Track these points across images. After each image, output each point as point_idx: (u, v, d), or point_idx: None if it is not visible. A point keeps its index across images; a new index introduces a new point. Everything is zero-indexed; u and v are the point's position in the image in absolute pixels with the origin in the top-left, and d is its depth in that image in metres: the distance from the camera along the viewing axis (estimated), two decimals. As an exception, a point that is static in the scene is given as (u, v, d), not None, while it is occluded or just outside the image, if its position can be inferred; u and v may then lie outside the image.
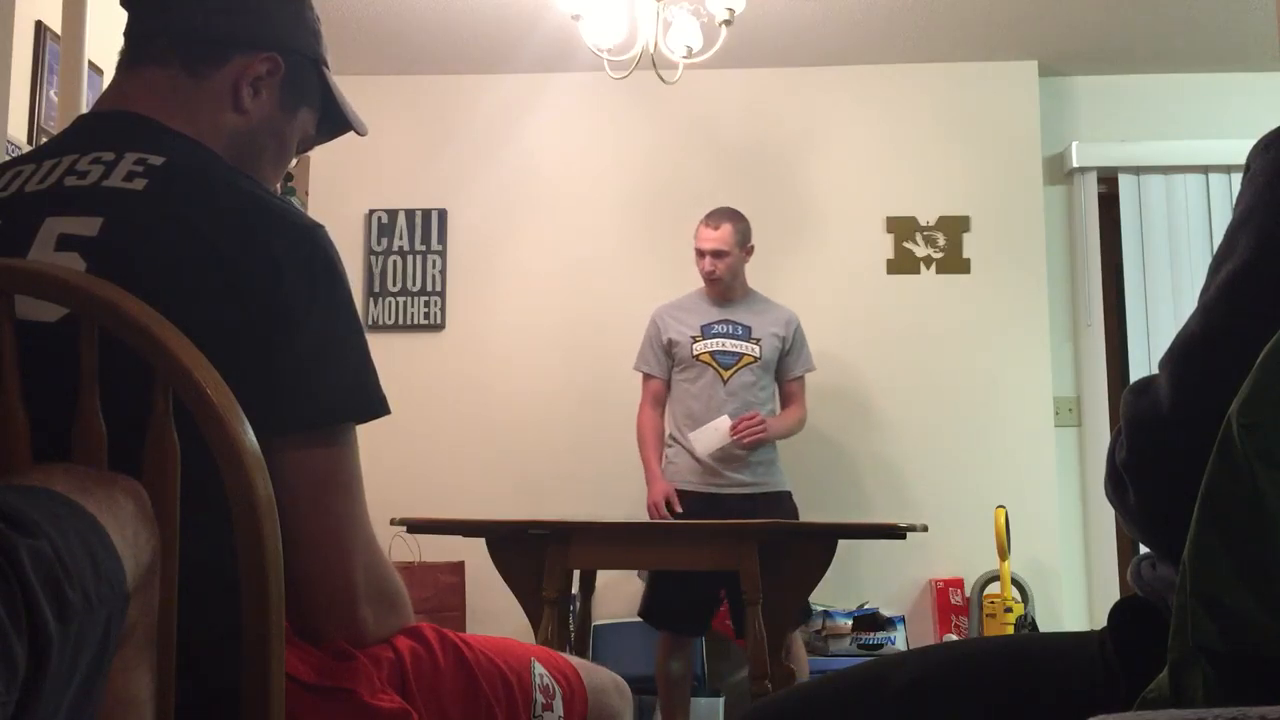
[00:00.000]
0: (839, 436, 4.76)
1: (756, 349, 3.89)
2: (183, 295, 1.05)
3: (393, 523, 2.88)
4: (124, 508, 0.85)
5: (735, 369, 3.86)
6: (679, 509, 3.77)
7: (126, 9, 1.30)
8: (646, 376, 3.99)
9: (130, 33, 1.29)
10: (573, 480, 4.71)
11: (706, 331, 3.91)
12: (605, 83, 4.12)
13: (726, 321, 3.92)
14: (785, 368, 3.98)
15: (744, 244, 3.93)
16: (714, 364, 3.87)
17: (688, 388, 3.89)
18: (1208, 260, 0.96)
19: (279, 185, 1.45)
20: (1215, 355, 0.90)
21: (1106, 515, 4.68)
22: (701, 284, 3.99)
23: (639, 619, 3.91)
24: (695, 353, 3.88)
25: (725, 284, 3.91)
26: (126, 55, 1.28)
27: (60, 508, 0.79)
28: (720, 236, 3.86)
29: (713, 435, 3.77)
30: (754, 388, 3.88)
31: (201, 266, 1.07)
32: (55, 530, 0.74)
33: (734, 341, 3.89)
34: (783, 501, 3.86)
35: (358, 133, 1.43)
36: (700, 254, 3.91)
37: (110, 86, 1.28)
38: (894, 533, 2.95)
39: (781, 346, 3.94)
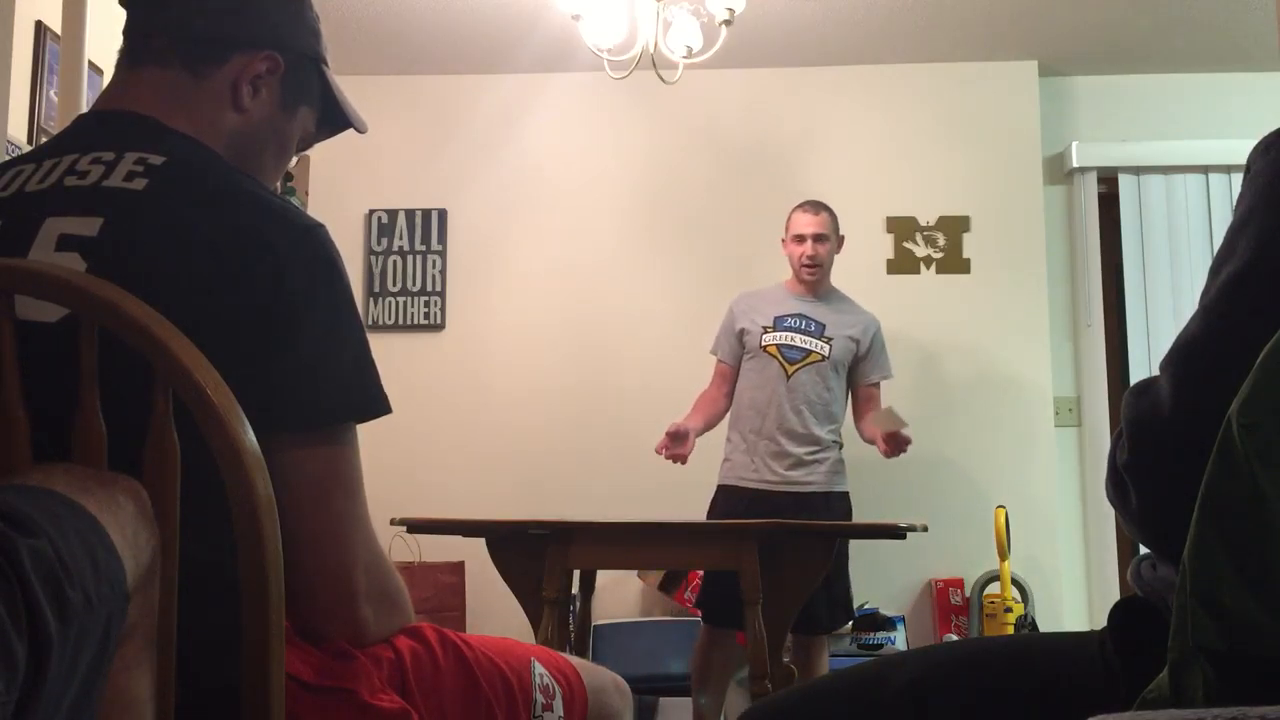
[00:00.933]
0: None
1: (826, 348, 3.80)
2: (183, 295, 1.05)
3: (393, 523, 2.88)
4: (124, 508, 0.85)
5: (800, 365, 3.78)
6: (687, 449, 3.67)
7: (126, 8, 1.30)
8: (717, 360, 3.95)
9: (130, 32, 1.29)
10: (573, 480, 4.71)
11: (779, 323, 3.84)
12: (605, 83, 4.12)
13: (800, 316, 3.84)
14: (861, 373, 3.89)
15: (838, 232, 3.91)
16: (779, 357, 3.80)
17: (753, 377, 3.83)
18: (1208, 260, 0.96)
19: (279, 184, 1.45)
20: (1216, 356, 0.90)
21: (1106, 515, 4.68)
22: (784, 279, 3.94)
23: (639, 619, 3.91)
24: (763, 344, 3.81)
25: (822, 274, 3.86)
26: (126, 54, 1.28)
27: (60, 508, 0.79)
28: (821, 221, 3.83)
29: (888, 418, 3.69)
30: (819, 386, 3.80)
31: (202, 266, 1.07)
32: (55, 530, 0.74)
33: (803, 337, 3.81)
34: (833, 502, 3.80)
35: (358, 130, 1.43)
36: (800, 239, 3.83)
37: (110, 86, 1.28)
38: (894, 533, 2.95)
39: (855, 350, 3.85)
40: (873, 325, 3.92)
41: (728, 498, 3.80)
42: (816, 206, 3.89)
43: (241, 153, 1.27)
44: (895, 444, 3.68)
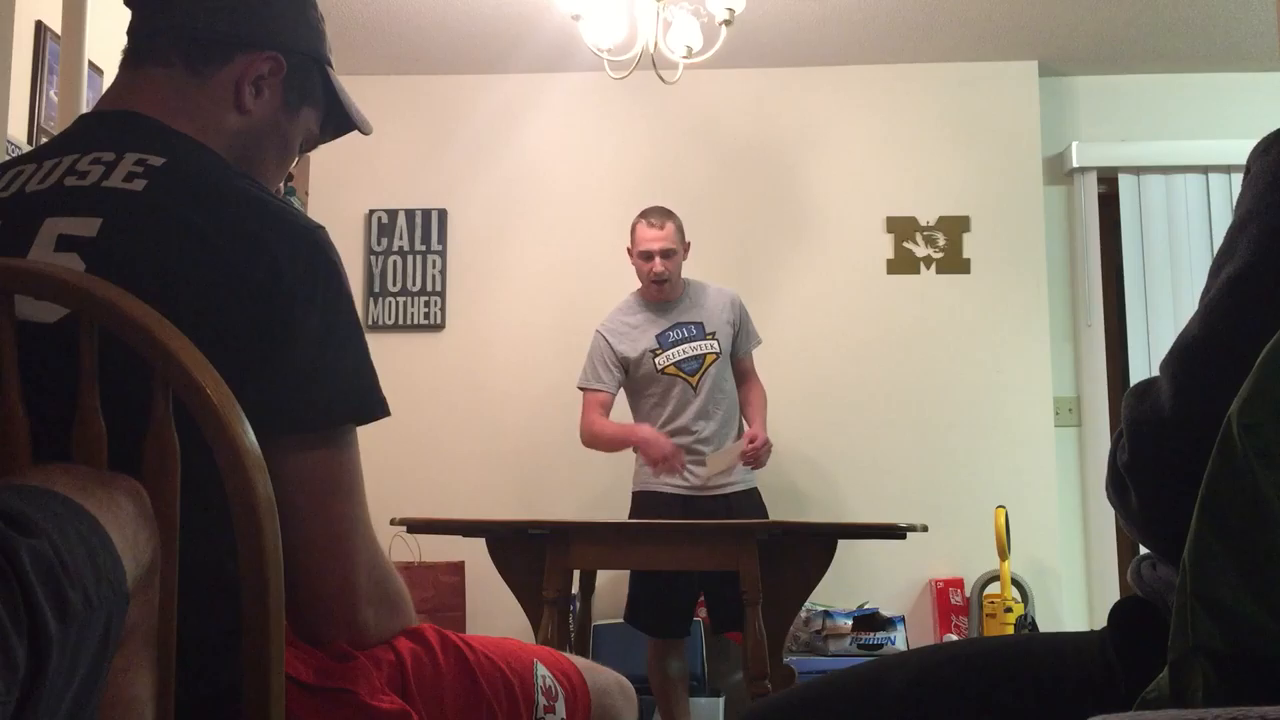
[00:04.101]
0: (839, 436, 4.77)
1: (715, 344, 3.79)
2: (182, 296, 1.05)
3: (393, 523, 2.88)
4: (124, 508, 0.85)
5: (701, 373, 3.77)
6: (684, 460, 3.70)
7: (129, 7, 1.30)
8: (592, 390, 3.80)
9: (133, 31, 1.28)
10: (573, 480, 4.71)
11: (664, 342, 3.78)
12: (605, 83, 4.12)
13: (679, 325, 3.81)
14: (738, 347, 3.89)
15: (684, 240, 3.84)
16: (680, 374, 3.76)
17: (655, 402, 3.79)
18: (1208, 260, 0.97)
19: (280, 185, 1.45)
20: (1216, 357, 0.90)
21: (1106, 515, 4.68)
22: (632, 291, 3.90)
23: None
24: (660, 368, 3.76)
25: (672, 285, 3.80)
26: (129, 54, 1.27)
27: (60, 508, 0.79)
28: (667, 235, 3.75)
29: (724, 458, 3.71)
30: (723, 383, 3.81)
31: (201, 268, 1.07)
32: (55, 530, 0.74)
33: (693, 345, 3.79)
34: (753, 498, 3.81)
35: (362, 131, 1.42)
36: (647, 256, 3.77)
37: (112, 86, 1.28)
38: (894, 533, 2.95)
39: (734, 332, 3.86)
40: (737, 299, 3.92)
41: (653, 504, 3.74)
42: (660, 217, 3.79)
43: (243, 153, 1.27)
44: (751, 456, 3.70)
